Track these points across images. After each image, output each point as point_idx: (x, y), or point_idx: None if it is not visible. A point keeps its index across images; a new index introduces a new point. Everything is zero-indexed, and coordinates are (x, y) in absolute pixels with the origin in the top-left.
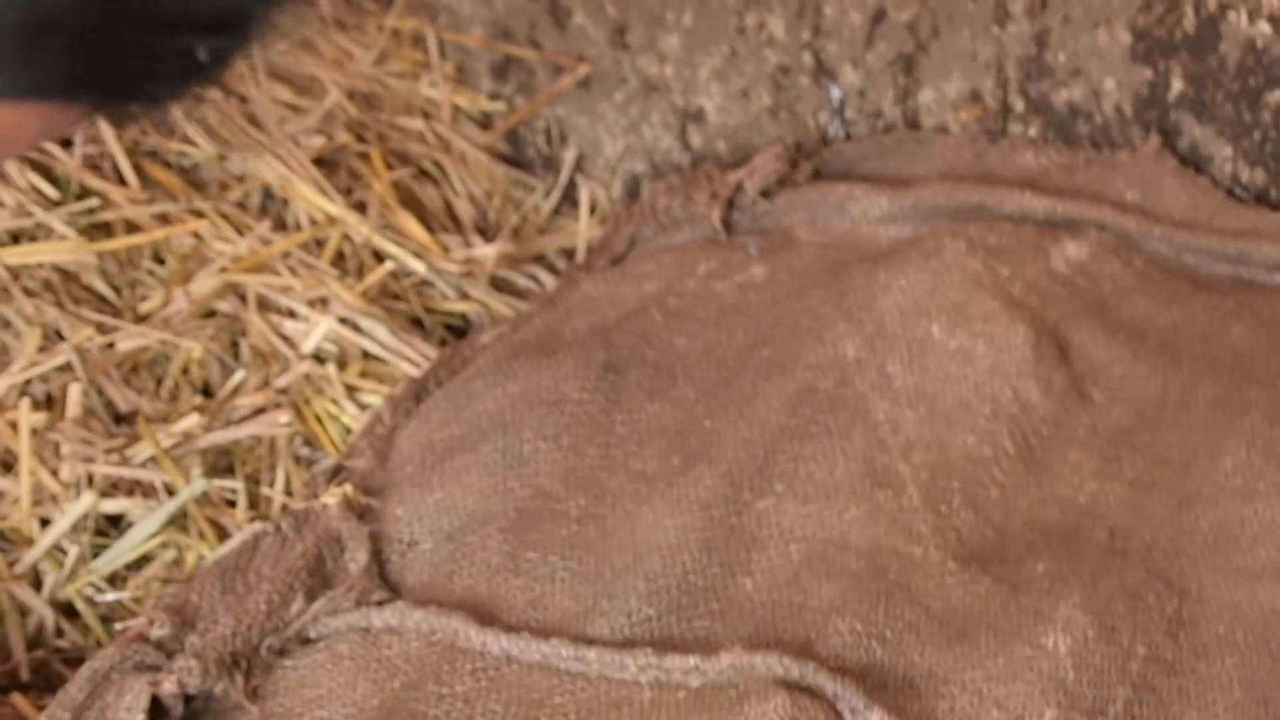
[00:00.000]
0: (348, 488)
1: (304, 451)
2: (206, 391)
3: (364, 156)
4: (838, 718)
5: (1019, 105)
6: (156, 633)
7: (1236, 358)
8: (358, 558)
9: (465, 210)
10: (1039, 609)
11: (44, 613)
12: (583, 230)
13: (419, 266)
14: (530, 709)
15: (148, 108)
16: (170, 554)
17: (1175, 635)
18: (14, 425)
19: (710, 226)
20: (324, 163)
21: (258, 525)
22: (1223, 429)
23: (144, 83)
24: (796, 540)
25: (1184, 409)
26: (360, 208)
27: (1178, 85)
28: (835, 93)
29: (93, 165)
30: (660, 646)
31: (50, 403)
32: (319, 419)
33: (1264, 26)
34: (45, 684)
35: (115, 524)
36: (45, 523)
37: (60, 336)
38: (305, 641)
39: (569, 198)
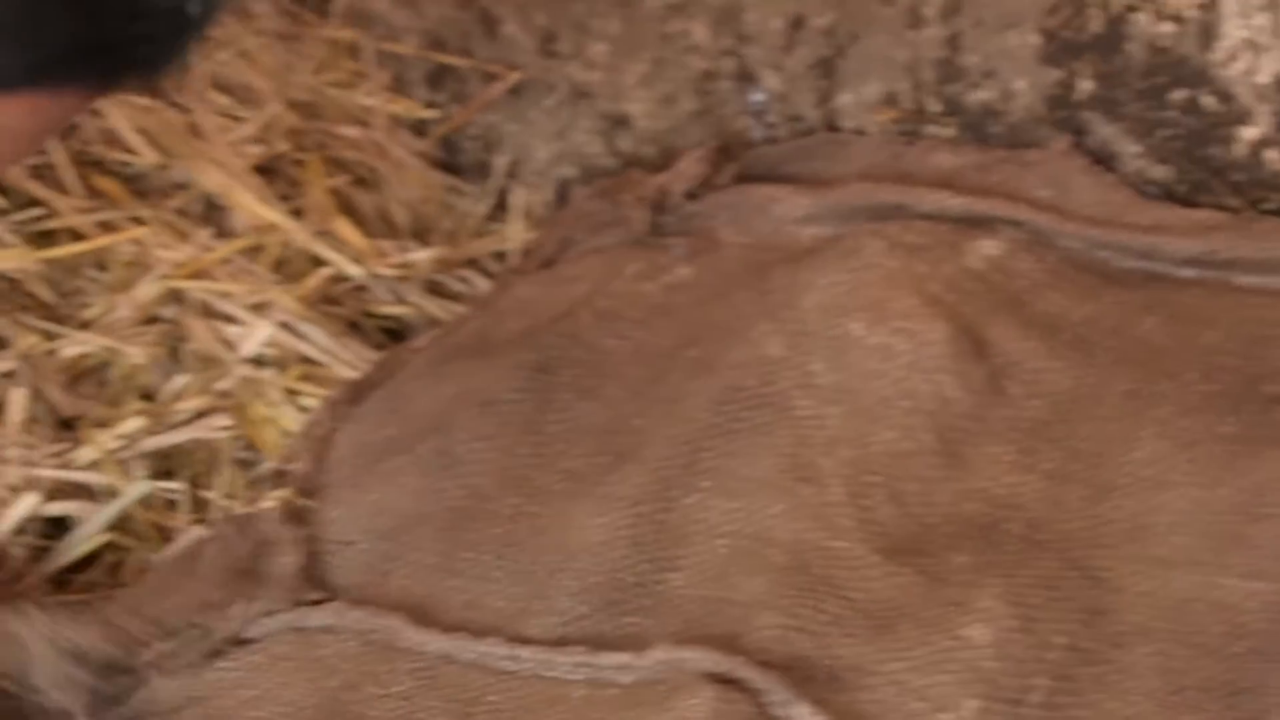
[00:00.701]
0: (287, 492)
1: (245, 454)
2: (149, 396)
3: (302, 164)
4: (764, 711)
5: (934, 107)
6: None
7: (1148, 350)
8: (289, 560)
9: (401, 216)
10: (960, 600)
11: None
12: (515, 234)
13: (356, 271)
14: (466, 706)
15: (144, 76)
16: (114, 556)
17: (1092, 624)
18: None
19: (637, 229)
20: (264, 170)
21: (200, 530)
22: (1136, 420)
23: (141, 46)
24: (723, 536)
25: (1098, 402)
26: (299, 214)
27: (1086, 85)
28: (757, 97)
29: (38, 174)
30: (592, 644)
31: None
32: (259, 422)
33: (1167, 26)
34: None
35: (59, 526)
36: None
37: (3, 344)
38: (242, 642)
39: (502, 203)
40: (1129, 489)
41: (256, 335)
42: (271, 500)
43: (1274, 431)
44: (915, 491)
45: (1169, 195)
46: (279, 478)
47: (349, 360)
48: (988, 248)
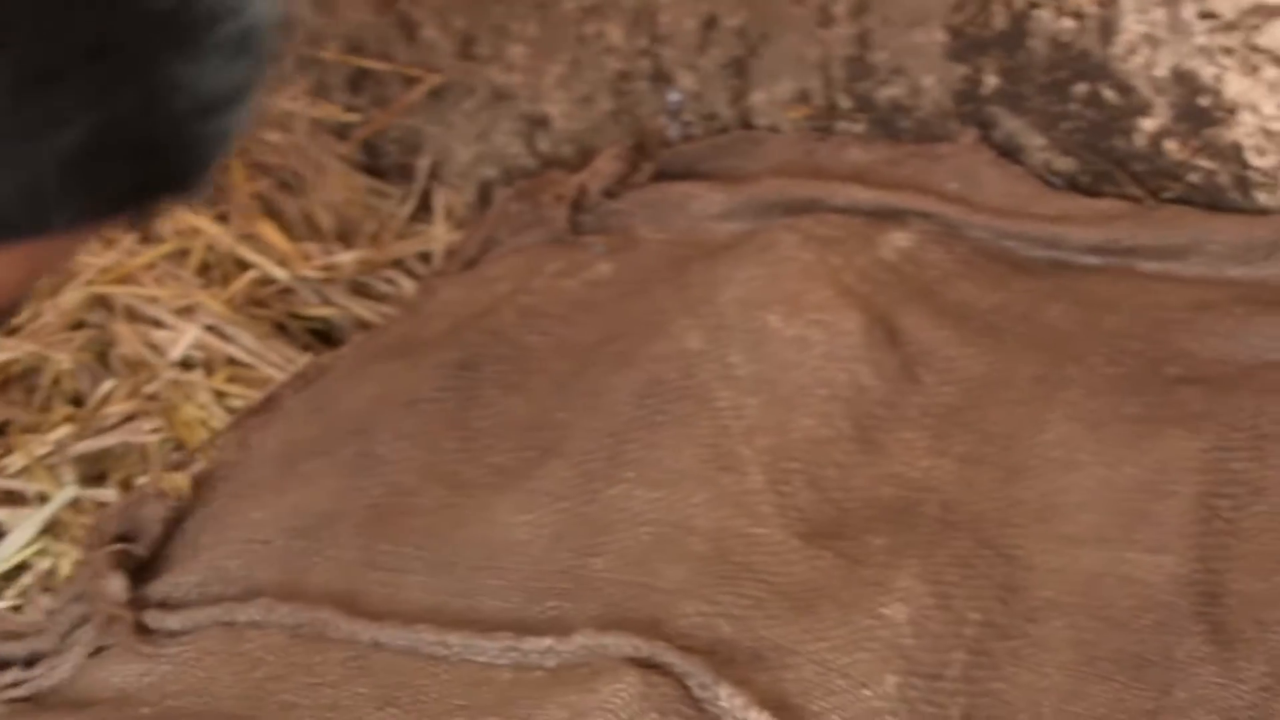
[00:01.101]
0: (179, 476)
1: (175, 456)
2: (78, 401)
3: (225, 169)
4: (687, 694)
5: (845, 104)
6: None
7: (1055, 336)
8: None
9: (325, 219)
10: (878, 580)
11: None
12: (438, 235)
13: (281, 274)
14: (393, 691)
15: (182, 201)
16: (47, 562)
17: (1006, 600)
18: None
19: (558, 228)
20: None
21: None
22: (1045, 404)
23: (192, 175)
24: (646, 524)
25: (1008, 386)
26: (223, 219)
27: (991, 80)
28: (673, 97)
29: None
30: (517, 630)
31: None
32: (188, 424)
33: (1069, 22)
34: None
35: None
36: None
37: None
38: (171, 635)
39: (424, 204)
40: (1039, 470)
41: (183, 339)
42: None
43: (1176, 411)
44: (833, 477)
45: (1073, 186)
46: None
47: (276, 361)
48: (899, 240)
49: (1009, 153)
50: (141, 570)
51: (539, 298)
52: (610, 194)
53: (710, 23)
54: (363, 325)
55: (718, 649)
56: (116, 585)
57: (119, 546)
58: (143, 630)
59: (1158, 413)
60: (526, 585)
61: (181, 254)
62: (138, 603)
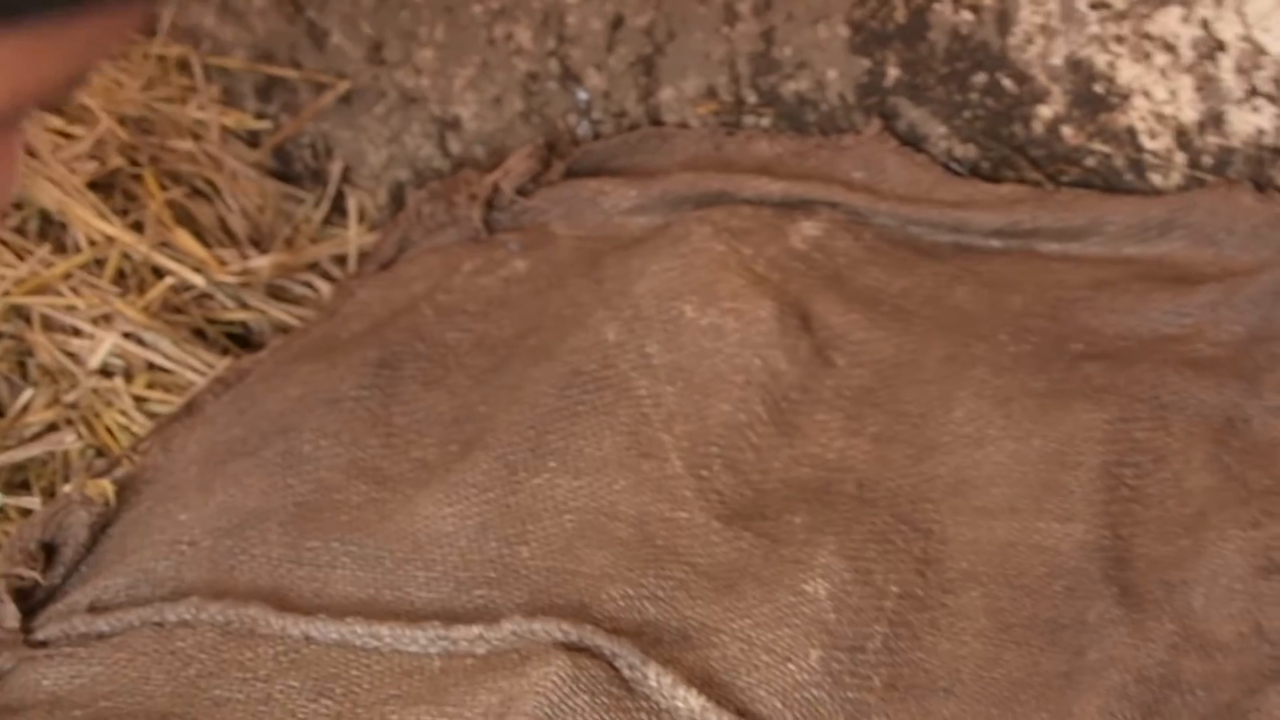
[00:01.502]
0: (104, 482)
1: (98, 463)
2: None
3: (138, 178)
4: (617, 675)
5: (751, 98)
6: None
7: (962, 317)
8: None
9: (239, 224)
10: (799, 558)
11: None
12: (353, 237)
13: (198, 280)
14: (325, 683)
15: None
16: None
17: (924, 573)
18: None
19: (472, 227)
20: (99, 186)
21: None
22: (954, 382)
23: None
24: (569, 511)
25: (918, 367)
26: (137, 227)
27: (894, 72)
28: (582, 96)
29: None
30: (446, 619)
31: None
32: (110, 431)
33: (967, 15)
34: None
35: None
36: None
37: None
38: (100, 636)
39: (338, 208)
40: (950, 446)
41: (102, 347)
42: (90, 490)
43: (1081, 385)
44: (751, 460)
45: (975, 172)
46: (108, 474)
47: (196, 366)
48: (808, 229)
49: (912, 142)
50: (67, 577)
51: (456, 296)
52: (523, 192)
53: (617, 23)
54: (281, 328)
55: (644, 630)
56: (7, 613)
57: (13, 571)
58: (38, 646)
59: (1063, 387)
60: (454, 575)
61: (97, 263)
62: (30, 629)
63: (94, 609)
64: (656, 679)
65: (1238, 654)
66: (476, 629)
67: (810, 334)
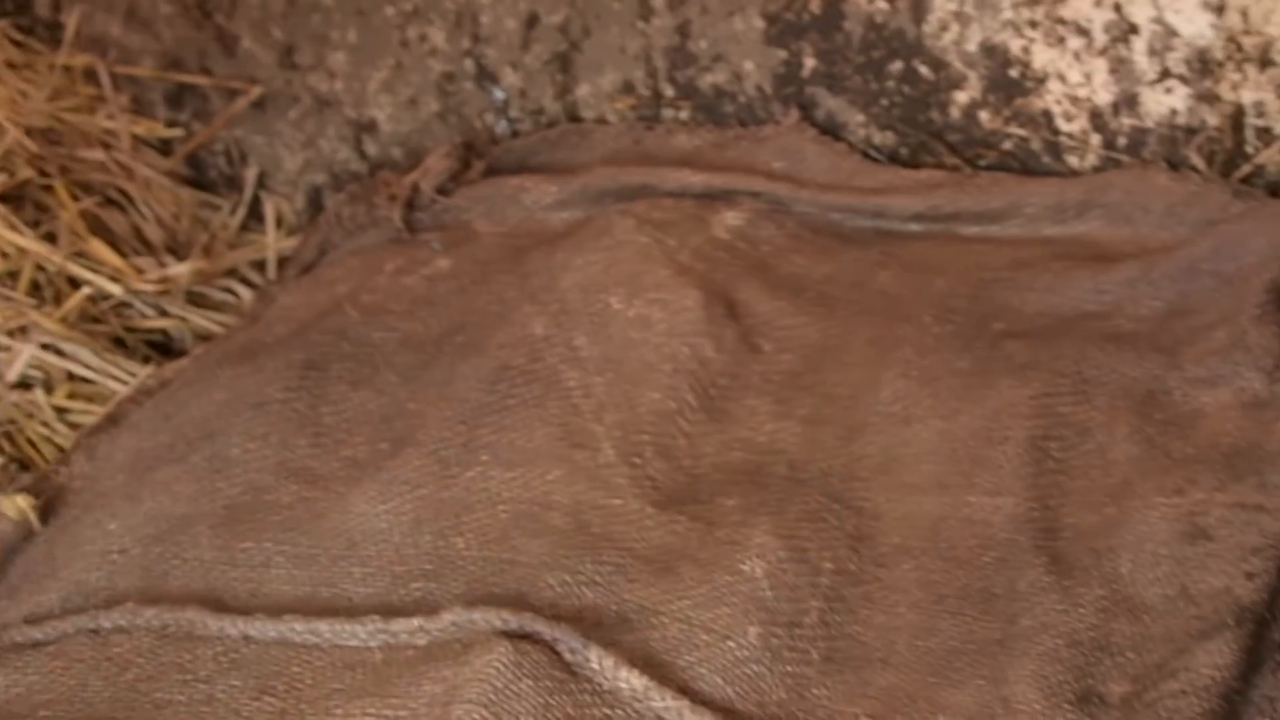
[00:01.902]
0: (18, 498)
1: (23, 477)
2: None
3: (49, 189)
4: (559, 659)
5: (669, 92)
6: None
7: (885, 301)
8: None
9: (154, 233)
10: (734, 539)
11: None
12: (271, 242)
13: (115, 289)
14: (268, 681)
15: None
16: None
17: (857, 549)
18: None
19: (393, 227)
20: (9, 199)
21: None
22: (880, 364)
23: None
24: (503, 502)
25: (844, 350)
26: (51, 238)
27: (810, 62)
28: (498, 94)
29: None
30: (385, 613)
31: None
32: (32, 443)
33: (882, 4)
34: None
35: None
36: None
37: None
38: (36, 645)
39: (255, 213)
40: (879, 426)
41: (19, 359)
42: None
43: (1005, 364)
44: (683, 446)
45: (893, 159)
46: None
47: (118, 375)
48: (731, 219)
49: (830, 130)
50: None
51: (380, 296)
52: (444, 191)
53: (531, 21)
54: (202, 335)
55: (584, 615)
56: None
57: None
58: None
59: (987, 365)
60: (390, 570)
61: (11, 275)
62: None
63: (30, 621)
64: (599, 661)
65: (1165, 616)
66: (416, 621)
67: (736, 321)
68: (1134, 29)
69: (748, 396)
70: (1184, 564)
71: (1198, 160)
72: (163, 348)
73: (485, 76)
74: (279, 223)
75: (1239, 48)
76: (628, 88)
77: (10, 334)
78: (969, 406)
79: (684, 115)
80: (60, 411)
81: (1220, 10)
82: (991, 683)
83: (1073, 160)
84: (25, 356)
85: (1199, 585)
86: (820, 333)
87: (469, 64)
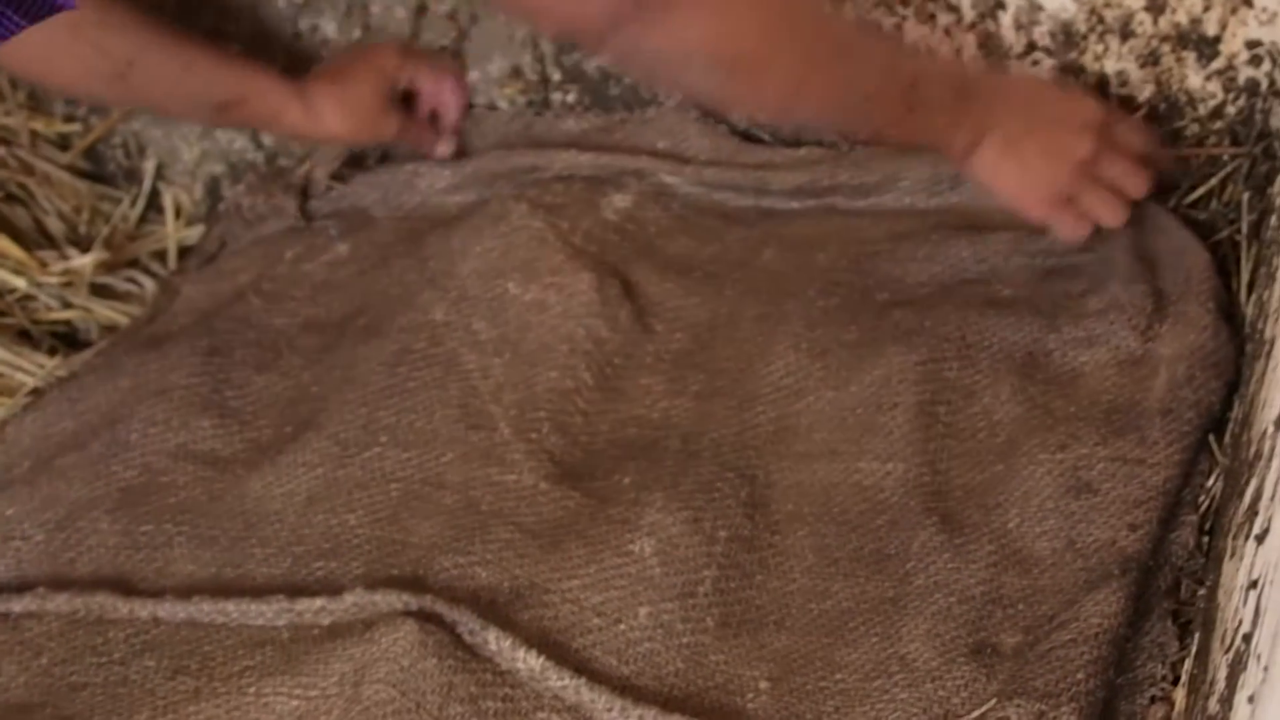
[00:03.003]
0: None
1: None
2: None
3: None
4: (460, 640)
5: (556, 76)
6: None
7: (771, 277)
8: None
9: (56, 226)
10: (626, 518)
11: None
12: (171, 233)
13: (20, 282)
14: (181, 660)
15: None
16: None
17: (751, 516)
18: None
19: (291, 216)
20: None
21: None
22: (769, 339)
23: None
24: (396, 481)
25: (734, 327)
26: None
27: None
28: None
29: None
30: (290, 592)
31: None
32: None
33: None
34: None
35: None
36: None
37: None
38: None
39: (154, 205)
40: (770, 398)
41: None
42: None
43: (892, 333)
44: (579, 424)
45: (774, 137)
46: None
47: (25, 367)
48: (619, 201)
49: (712, 112)
50: None
51: (282, 283)
52: (340, 178)
53: (420, 10)
54: (106, 326)
55: (479, 595)
56: None
57: None
58: None
59: (874, 335)
60: (290, 550)
61: None
62: None
63: None
64: (496, 642)
65: (1053, 568)
66: (320, 601)
67: (630, 301)
68: (1001, 4)
69: (642, 375)
70: (1070, 517)
71: None
72: (68, 339)
73: None
74: (178, 213)
75: (1101, 20)
76: (516, 73)
77: None
78: (858, 375)
79: (571, 99)
80: None
81: None
82: (886, 640)
83: None
84: None
85: (1085, 538)
86: (709, 312)
87: None
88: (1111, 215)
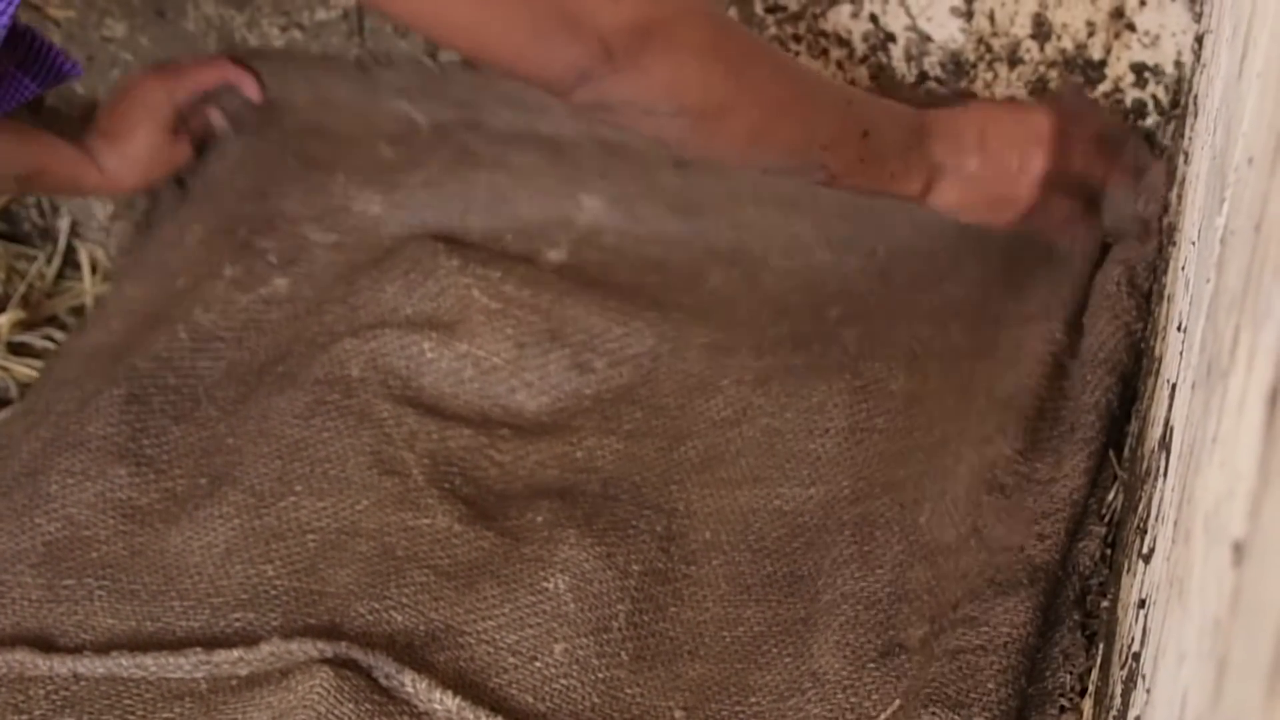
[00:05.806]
0: None
1: None
2: None
3: None
4: (376, 684)
5: None
6: None
7: (719, 302)
8: None
9: None
10: (539, 556)
11: None
12: (88, 288)
13: None
14: (100, 715)
15: None
16: None
17: (667, 549)
18: None
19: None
20: None
21: None
22: (716, 371)
23: None
24: (312, 531)
25: (679, 358)
26: None
27: None
28: None
29: None
30: (207, 645)
31: None
32: None
33: None
34: None
35: None
36: None
37: None
38: None
39: (70, 261)
40: (703, 432)
41: None
42: None
43: (840, 358)
44: (494, 474)
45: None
46: None
47: None
48: (554, 256)
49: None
50: None
51: (215, 313)
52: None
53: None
54: (24, 384)
55: (395, 639)
56: None
57: None
58: None
59: (822, 360)
60: (209, 602)
61: None
62: None
63: None
64: (413, 685)
65: (957, 554)
66: (237, 652)
67: (564, 347)
68: (891, 37)
69: (575, 418)
70: (978, 507)
71: None
72: None
73: None
74: (94, 269)
75: (989, 49)
76: None
77: None
78: (796, 402)
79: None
80: None
81: (969, 16)
82: (798, 659)
83: None
84: None
85: (992, 530)
86: (656, 336)
87: None
88: (1080, 214)
